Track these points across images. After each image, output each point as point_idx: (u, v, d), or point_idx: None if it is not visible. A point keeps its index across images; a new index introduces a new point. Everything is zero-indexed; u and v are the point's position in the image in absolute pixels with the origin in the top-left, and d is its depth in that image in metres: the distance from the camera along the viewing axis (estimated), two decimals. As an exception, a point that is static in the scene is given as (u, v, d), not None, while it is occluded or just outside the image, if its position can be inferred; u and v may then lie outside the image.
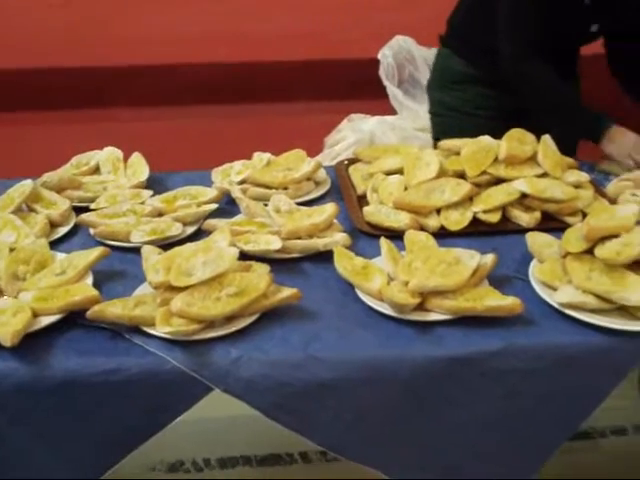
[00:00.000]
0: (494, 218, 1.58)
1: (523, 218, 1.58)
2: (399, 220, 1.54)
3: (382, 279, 1.32)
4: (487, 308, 1.25)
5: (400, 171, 1.71)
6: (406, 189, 1.63)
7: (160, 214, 1.61)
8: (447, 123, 2.12)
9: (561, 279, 1.34)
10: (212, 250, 1.30)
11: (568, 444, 2.25)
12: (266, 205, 1.59)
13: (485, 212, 1.59)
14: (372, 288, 1.30)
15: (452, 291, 1.27)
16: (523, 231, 1.51)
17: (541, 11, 1.85)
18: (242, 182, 1.73)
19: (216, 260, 1.27)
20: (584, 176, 1.70)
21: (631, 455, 2.23)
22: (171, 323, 1.20)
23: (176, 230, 1.52)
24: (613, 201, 1.67)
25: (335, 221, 1.53)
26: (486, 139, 1.72)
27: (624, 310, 1.28)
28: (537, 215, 1.59)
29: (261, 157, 1.81)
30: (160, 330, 1.19)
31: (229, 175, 1.77)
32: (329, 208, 1.53)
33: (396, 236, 1.49)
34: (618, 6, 1.91)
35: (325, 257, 1.43)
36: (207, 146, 2.90)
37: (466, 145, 1.70)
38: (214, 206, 1.60)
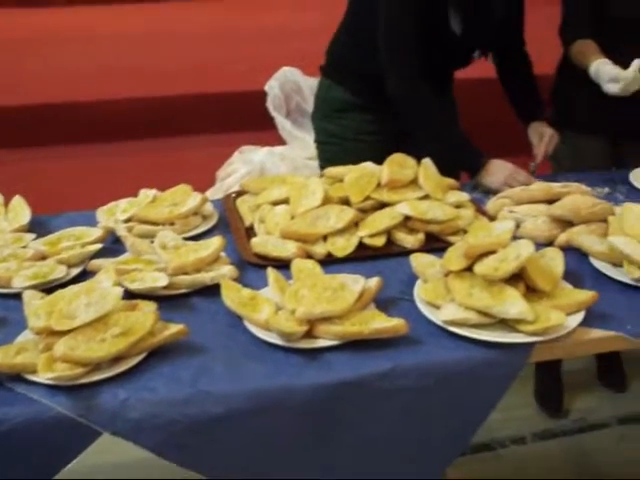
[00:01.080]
0: (379, 242, 1.62)
1: (407, 240, 1.62)
2: (286, 249, 1.55)
3: (270, 309, 1.33)
4: (373, 331, 1.27)
5: (287, 201, 1.72)
6: (292, 218, 1.65)
7: (43, 257, 1.57)
8: (332, 151, 2.16)
9: (444, 297, 1.38)
10: (96, 291, 1.28)
11: (470, 456, 2.32)
12: (152, 242, 1.58)
13: (370, 236, 1.62)
14: (260, 319, 1.31)
15: (339, 316, 1.29)
16: (408, 253, 1.54)
17: (419, 40, 1.92)
18: (128, 220, 1.71)
19: (100, 301, 1.25)
20: (464, 196, 1.77)
21: (531, 463, 2.30)
22: (54, 368, 1.17)
23: (60, 273, 1.49)
24: (493, 218, 1.74)
25: (222, 254, 1.54)
26: (368, 165, 1.77)
27: (505, 323, 1.33)
28: (421, 236, 1.64)
29: (147, 194, 1.80)
30: (43, 376, 1.16)
31: (114, 214, 1.74)
32: (215, 241, 1.53)
33: (284, 265, 1.50)
34: (485, 34, 2.01)
35: (213, 290, 1.43)
36: (93, 185, 2.86)
37: (349, 172, 1.74)
38: (98, 246, 1.57)
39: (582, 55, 2.04)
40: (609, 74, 1.89)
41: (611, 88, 1.90)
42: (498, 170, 1.92)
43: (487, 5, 1.96)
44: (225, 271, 1.46)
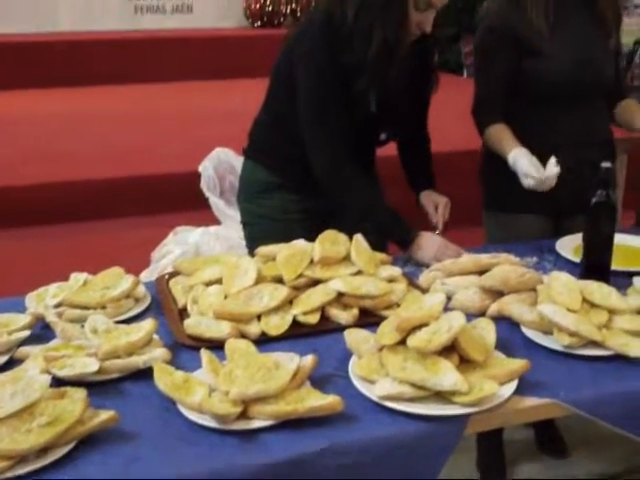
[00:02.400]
0: (313, 319, 1.62)
1: (342, 316, 1.63)
2: (220, 330, 1.54)
3: (203, 391, 1.31)
4: (309, 409, 1.26)
5: (220, 281, 1.72)
6: (226, 298, 1.65)
7: (-32, 347, 1.51)
8: (259, 231, 2.15)
9: (379, 372, 1.38)
10: (22, 379, 1.24)
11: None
12: (83, 326, 1.55)
13: (305, 314, 1.62)
14: (193, 401, 1.28)
15: (273, 396, 1.28)
16: (343, 329, 1.55)
17: (339, 120, 1.97)
18: (58, 305, 1.67)
19: (26, 390, 1.21)
20: (396, 270, 1.79)
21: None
22: (-23, 463, 1.12)
23: (-15, 362, 1.44)
24: (426, 291, 1.76)
25: (155, 336, 1.51)
26: (300, 243, 1.78)
27: (440, 395, 1.33)
28: (355, 312, 1.64)
29: (77, 278, 1.77)
30: (-36, 472, 1.11)
31: (44, 299, 1.71)
32: (147, 324, 1.51)
33: (218, 346, 1.48)
34: (398, 115, 2.08)
35: (146, 374, 1.40)
36: (21, 270, 2.80)
37: (282, 250, 1.75)
38: (26, 333, 1.53)
39: (498, 142, 2.12)
40: (524, 169, 1.97)
41: (527, 182, 1.97)
42: (428, 244, 1.96)
43: (401, 85, 2.02)
44: (158, 354, 1.44)
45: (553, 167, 1.93)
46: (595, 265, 1.80)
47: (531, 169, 1.95)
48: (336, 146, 1.99)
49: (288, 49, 2.03)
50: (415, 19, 1.91)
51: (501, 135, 2.12)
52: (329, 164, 2.00)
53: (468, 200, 2.36)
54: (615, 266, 1.83)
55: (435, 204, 2.16)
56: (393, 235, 2.03)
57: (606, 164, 1.77)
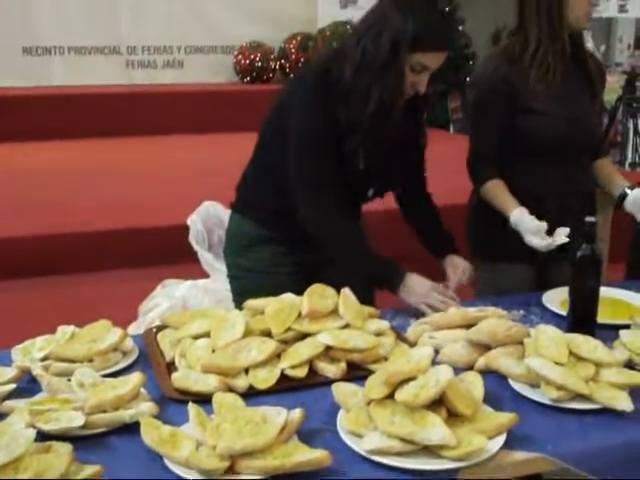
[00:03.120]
0: (301, 373, 1.61)
1: (329, 370, 1.63)
2: (208, 384, 1.53)
3: (191, 446, 1.30)
4: (296, 464, 1.25)
5: (208, 334, 1.71)
6: (214, 352, 1.64)
7: (-46, 401, 1.50)
8: (246, 285, 2.15)
9: (367, 426, 1.38)
10: (6, 434, 1.23)
11: None
12: (70, 380, 1.54)
13: (293, 367, 1.62)
14: (180, 456, 1.27)
15: (261, 450, 1.27)
16: (331, 382, 1.54)
17: (330, 175, 2.00)
18: (45, 358, 1.66)
19: (10, 444, 1.20)
20: (384, 324, 1.79)
21: None
22: (-41, 520, 1.10)
23: (-30, 417, 1.43)
24: (414, 345, 1.76)
25: (142, 390, 1.51)
26: (288, 296, 1.79)
27: (428, 449, 1.33)
28: (343, 366, 1.64)
29: (65, 330, 1.76)
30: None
31: (30, 352, 1.70)
32: (135, 378, 1.50)
33: (206, 400, 1.48)
34: (387, 172, 2.11)
35: (133, 428, 1.38)
36: (8, 323, 2.79)
37: (270, 304, 1.75)
38: (12, 386, 1.52)
39: (497, 199, 2.17)
40: (530, 227, 2.03)
41: (534, 241, 2.03)
42: (416, 285, 1.98)
43: (390, 142, 2.04)
44: (145, 408, 1.43)
45: (560, 237, 1.99)
46: (581, 318, 1.81)
47: (536, 234, 2.01)
48: (326, 200, 2.01)
49: (280, 103, 2.06)
50: (410, 80, 1.95)
51: (499, 192, 2.19)
52: (320, 218, 2.02)
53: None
54: (601, 319, 1.85)
55: (456, 267, 2.15)
56: (383, 279, 2.03)
57: (590, 218, 1.80)
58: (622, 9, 9.01)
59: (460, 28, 7.35)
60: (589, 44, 8.70)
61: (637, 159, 6.71)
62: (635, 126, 6.62)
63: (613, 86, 7.41)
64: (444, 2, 6.75)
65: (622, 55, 9.97)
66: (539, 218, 2.06)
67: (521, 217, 2.07)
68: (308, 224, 2.03)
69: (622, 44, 10.03)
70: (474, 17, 7.45)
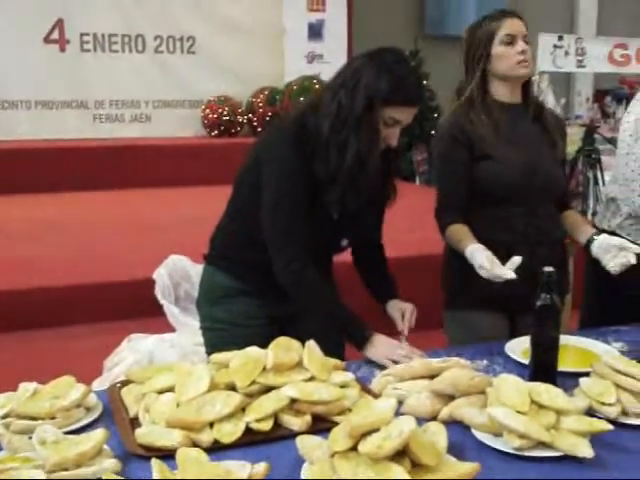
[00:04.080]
0: (266, 426, 1.61)
1: (294, 422, 1.63)
2: (172, 439, 1.53)
3: (154, 502, 1.29)
4: (260, 518, 1.25)
5: (173, 389, 1.71)
6: (178, 406, 1.64)
7: None
8: (219, 337, 2.17)
9: (331, 478, 1.38)
10: (-34, 495, 1.22)
11: None
12: (31, 438, 1.52)
13: (257, 421, 1.61)
14: (143, 513, 1.26)
15: (224, 505, 1.27)
16: (296, 435, 1.54)
17: (304, 227, 2.03)
18: (6, 416, 1.64)
19: (-30, 505, 1.18)
20: (349, 376, 1.80)
21: None
22: None
23: None
24: (378, 396, 1.77)
25: (106, 447, 1.49)
26: (254, 350, 1.79)
27: (392, 502, 1.33)
28: (308, 418, 1.64)
29: (27, 387, 1.74)
30: None
31: (-9, 410, 1.68)
32: (98, 434, 1.49)
33: (170, 455, 1.47)
34: (358, 223, 2.15)
35: (95, 486, 1.38)
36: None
37: (235, 357, 1.76)
38: (-29, 446, 1.50)
39: (458, 240, 2.22)
40: (479, 262, 2.07)
41: (482, 272, 2.07)
42: (381, 344, 2.01)
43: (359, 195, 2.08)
44: (108, 465, 1.42)
45: (510, 266, 2.03)
46: (542, 367, 1.84)
47: (485, 262, 2.04)
48: (300, 252, 2.04)
49: (256, 156, 2.09)
50: (383, 133, 2.02)
51: (460, 232, 2.24)
52: (293, 270, 2.04)
53: (423, 303, 2.41)
54: (563, 367, 1.88)
55: (402, 312, 2.21)
56: (350, 335, 2.07)
57: (548, 268, 1.84)
58: (580, 64, 9.30)
59: (425, 82, 7.52)
60: (550, 97, 8.95)
61: (597, 208, 6.85)
62: (595, 176, 6.77)
63: (573, 138, 7.60)
64: (409, 57, 6.92)
65: (581, 108, 10.25)
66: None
67: (474, 252, 2.10)
68: (279, 276, 2.06)
69: (581, 97, 10.32)
70: (438, 70, 7.63)
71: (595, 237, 2.24)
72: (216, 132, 7.61)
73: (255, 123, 7.63)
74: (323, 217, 2.07)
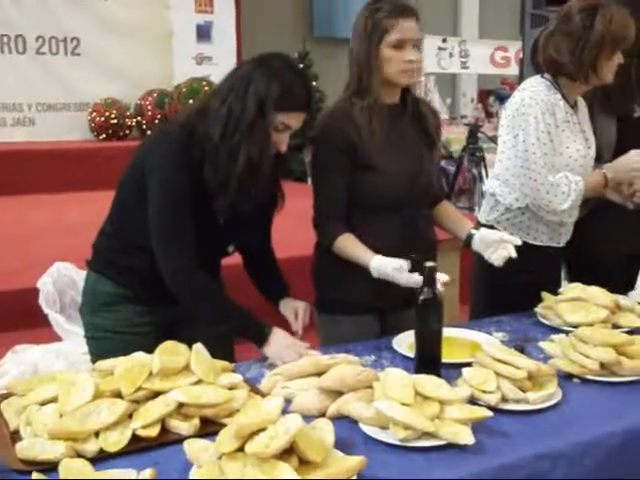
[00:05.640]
0: (153, 432, 1.59)
1: (182, 427, 1.61)
2: (55, 451, 1.48)
3: (34, 517, 1.25)
4: (145, 525, 1.23)
5: (56, 400, 1.66)
6: (62, 417, 1.59)
7: None
8: (104, 345, 2.11)
9: (219, 480, 1.38)
10: None
11: None
12: None
13: (144, 427, 1.59)
14: (23, 529, 1.22)
15: (108, 515, 1.24)
16: (185, 439, 1.53)
17: (190, 233, 2.01)
18: None
19: None
20: (237, 377, 1.80)
21: None
22: None
23: None
24: (268, 396, 1.78)
25: (-16, 464, 1.44)
26: (139, 355, 1.77)
27: (281, 500, 1.34)
28: (196, 422, 1.63)
29: None
30: None
31: None
32: (-25, 451, 1.43)
33: (54, 468, 1.43)
34: (245, 228, 2.15)
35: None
36: None
37: (120, 363, 1.73)
38: None
39: (352, 254, 2.19)
40: (392, 269, 2.07)
41: (400, 280, 2.07)
42: (276, 342, 2.02)
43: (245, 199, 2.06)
44: (-15, 482, 1.37)
45: (414, 277, 2.03)
46: (426, 359, 1.89)
47: (396, 275, 2.06)
48: (187, 260, 2.02)
49: (139, 161, 2.05)
50: (273, 139, 2.01)
51: (351, 245, 2.21)
52: (181, 275, 2.02)
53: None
54: (447, 359, 1.94)
55: (295, 310, 2.23)
56: (248, 335, 2.06)
57: (430, 263, 1.89)
58: (464, 66, 9.61)
59: (314, 83, 7.59)
60: (436, 98, 9.20)
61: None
62: (480, 173, 7.01)
63: (459, 137, 7.87)
64: (297, 62, 6.97)
65: (466, 108, 10.60)
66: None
67: (381, 262, 2.11)
68: (170, 282, 2.03)
69: (466, 98, 10.67)
70: (328, 72, 7.71)
71: (474, 232, 2.29)
72: (104, 136, 7.44)
73: (144, 126, 7.50)
74: (209, 223, 2.06)
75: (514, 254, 2.18)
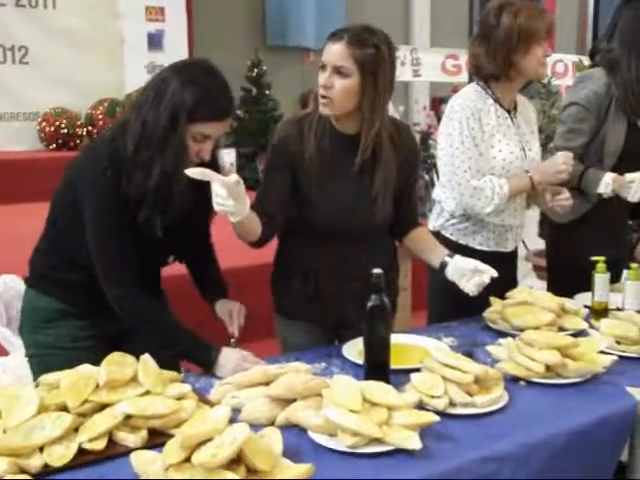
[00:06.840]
0: (100, 445, 1.57)
1: (129, 439, 1.60)
2: (-4, 466, 1.46)
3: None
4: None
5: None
6: (5, 432, 1.57)
7: None
8: (46, 362, 2.04)
9: (165, 492, 1.37)
10: None
11: None
12: None
13: (90, 440, 1.57)
14: None
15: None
16: (133, 451, 1.52)
17: (129, 250, 1.99)
18: None
19: None
20: (186, 387, 1.79)
21: None
22: None
23: None
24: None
25: None
26: (85, 368, 1.75)
27: (228, 510, 1.34)
28: (144, 434, 1.62)
29: None
30: None
31: None
32: None
33: (-4, 483, 1.41)
34: (183, 238, 2.15)
35: None
36: None
37: (65, 376, 1.71)
38: None
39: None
40: None
41: None
42: (227, 360, 1.99)
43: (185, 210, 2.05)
44: None
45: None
46: (375, 365, 1.90)
47: None
48: (132, 283, 2.00)
49: (70, 178, 2.03)
50: (194, 149, 1.97)
51: None
52: (126, 302, 2.01)
53: (265, 313, 2.43)
54: (396, 365, 1.95)
55: (229, 312, 2.23)
56: (196, 359, 2.03)
57: (377, 270, 1.90)
58: (416, 74, 9.70)
59: (267, 92, 7.58)
60: (390, 106, 9.28)
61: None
62: (431, 180, 7.08)
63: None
64: (218, 69, 6.93)
65: (419, 115, 10.68)
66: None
67: None
68: (115, 305, 2.01)
69: (418, 105, 10.74)
70: (280, 80, 7.72)
71: (447, 260, 2.26)
72: (54, 145, 7.33)
73: (95, 136, 7.41)
74: (147, 236, 2.01)
75: (487, 280, 2.20)
